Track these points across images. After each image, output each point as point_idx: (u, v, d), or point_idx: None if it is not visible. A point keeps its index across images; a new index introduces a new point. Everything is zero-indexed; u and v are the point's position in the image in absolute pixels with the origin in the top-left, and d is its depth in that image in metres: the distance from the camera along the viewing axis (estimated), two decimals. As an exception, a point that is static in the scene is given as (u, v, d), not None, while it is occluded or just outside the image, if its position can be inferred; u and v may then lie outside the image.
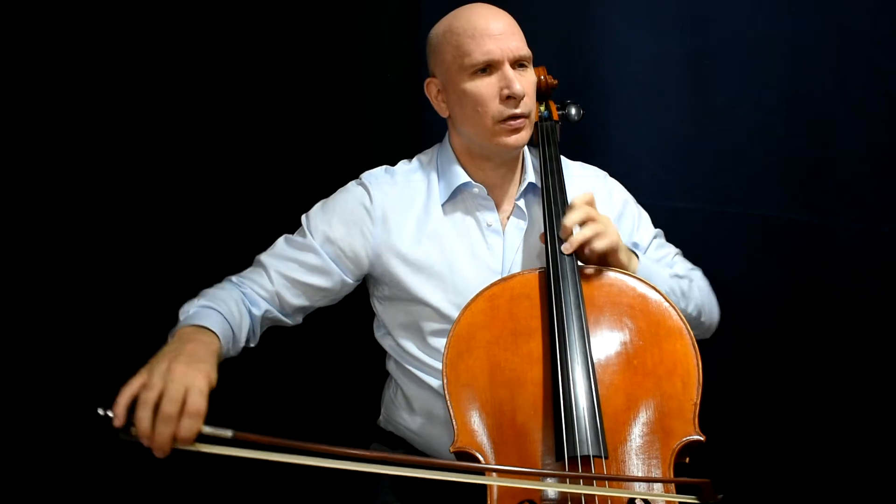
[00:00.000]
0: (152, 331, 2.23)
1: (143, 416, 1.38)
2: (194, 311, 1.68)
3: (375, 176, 1.92)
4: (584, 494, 1.45)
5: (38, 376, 2.20)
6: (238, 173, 2.29)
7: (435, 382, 1.81)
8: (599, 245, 1.68)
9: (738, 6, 2.33)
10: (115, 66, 2.22)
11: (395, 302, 1.88)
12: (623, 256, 1.73)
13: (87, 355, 2.22)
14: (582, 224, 1.69)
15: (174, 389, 1.40)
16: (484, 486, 1.50)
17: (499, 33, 1.76)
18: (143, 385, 1.41)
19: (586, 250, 1.69)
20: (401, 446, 1.92)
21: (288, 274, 1.84)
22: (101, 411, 1.40)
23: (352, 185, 1.92)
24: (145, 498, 2.25)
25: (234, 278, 1.86)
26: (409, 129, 2.37)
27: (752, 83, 2.35)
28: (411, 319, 1.85)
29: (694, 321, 1.86)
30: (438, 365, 1.74)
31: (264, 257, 1.88)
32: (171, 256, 2.30)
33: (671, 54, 2.38)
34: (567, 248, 1.68)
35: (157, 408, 1.39)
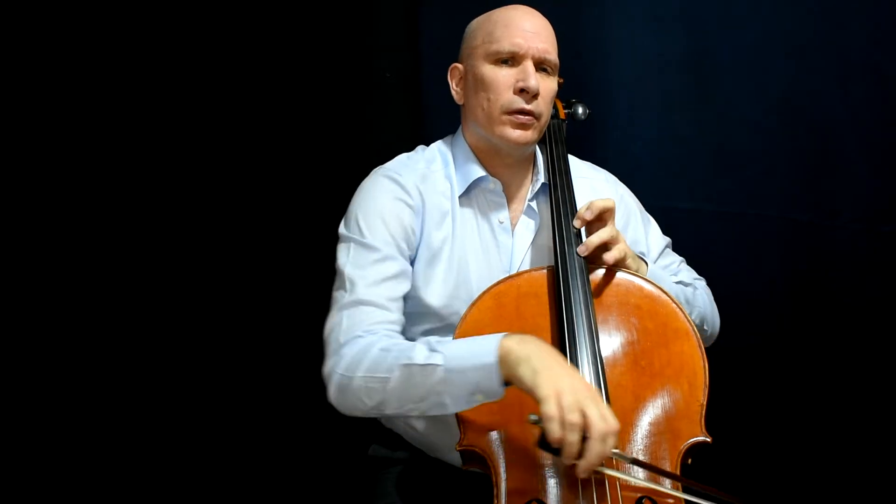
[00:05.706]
0: (151, 331, 2.25)
1: (573, 441, 1.38)
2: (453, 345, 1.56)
3: (403, 165, 1.87)
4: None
5: (39, 376, 2.18)
6: (237, 174, 2.28)
7: None
8: (610, 256, 1.68)
9: (739, 6, 2.34)
10: (118, 67, 2.22)
11: None
12: (631, 264, 1.73)
13: (87, 355, 2.21)
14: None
15: (598, 406, 1.39)
16: (490, 488, 1.49)
17: (531, 31, 1.79)
18: (560, 405, 1.39)
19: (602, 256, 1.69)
20: (401, 446, 1.90)
21: (392, 295, 1.72)
22: (533, 417, 1.40)
23: (377, 180, 1.84)
24: (145, 498, 2.24)
25: (369, 329, 1.66)
26: (408, 130, 2.37)
27: (752, 83, 2.36)
28: (407, 312, 1.80)
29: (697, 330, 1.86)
30: None
31: (363, 292, 1.69)
32: (171, 256, 2.29)
33: (671, 54, 2.39)
34: (583, 250, 1.67)
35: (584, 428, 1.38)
